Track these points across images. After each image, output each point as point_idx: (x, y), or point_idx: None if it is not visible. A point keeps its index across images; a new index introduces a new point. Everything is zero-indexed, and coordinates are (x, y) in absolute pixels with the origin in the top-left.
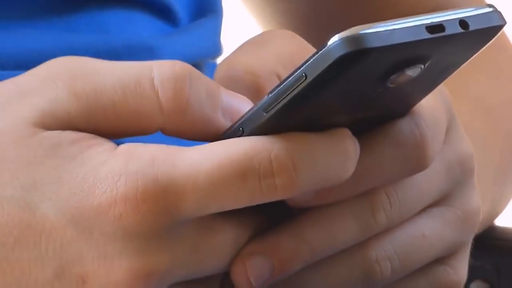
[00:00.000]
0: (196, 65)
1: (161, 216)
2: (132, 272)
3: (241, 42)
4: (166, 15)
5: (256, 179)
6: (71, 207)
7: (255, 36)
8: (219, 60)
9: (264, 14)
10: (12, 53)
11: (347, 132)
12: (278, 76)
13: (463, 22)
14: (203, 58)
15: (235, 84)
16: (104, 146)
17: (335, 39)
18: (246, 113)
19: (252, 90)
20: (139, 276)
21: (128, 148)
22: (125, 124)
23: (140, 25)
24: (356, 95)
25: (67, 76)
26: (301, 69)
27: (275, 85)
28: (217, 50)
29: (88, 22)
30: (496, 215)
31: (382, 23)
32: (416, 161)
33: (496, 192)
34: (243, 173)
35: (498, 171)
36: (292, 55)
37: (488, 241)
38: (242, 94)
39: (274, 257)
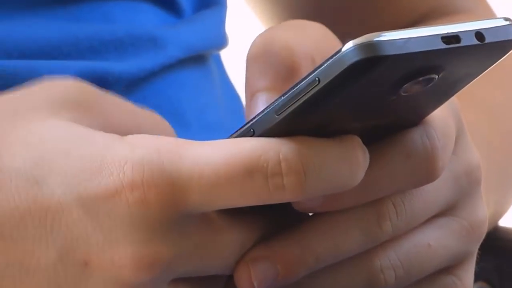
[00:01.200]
0: (202, 56)
1: (167, 206)
2: (136, 259)
3: (244, 34)
4: (170, 5)
5: (263, 178)
6: (79, 185)
7: (293, 20)
8: (223, 52)
9: (266, 11)
10: (17, 42)
11: (357, 140)
12: (313, 60)
13: (479, 34)
14: (207, 49)
15: (270, 58)
16: (111, 134)
17: (349, 45)
18: (258, 114)
19: (287, 67)
20: (143, 263)
21: (135, 137)
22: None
23: (144, 15)
24: (368, 103)
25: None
26: (315, 73)
27: (289, 87)
28: (222, 41)
29: (92, 11)
30: (499, 217)
31: (398, 31)
32: (426, 172)
33: (500, 194)
34: (250, 170)
35: (502, 174)
36: (327, 45)
37: (490, 242)
38: (276, 69)
39: (279, 262)
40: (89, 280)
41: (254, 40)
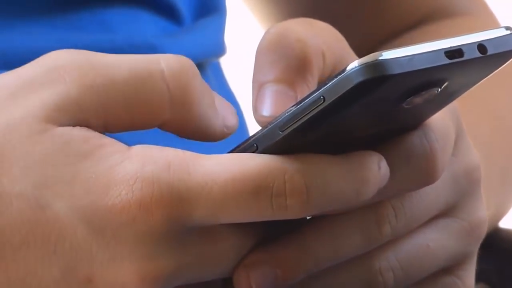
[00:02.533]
0: (200, 65)
1: (173, 222)
2: (140, 275)
3: (244, 42)
4: (170, 14)
5: (268, 197)
6: (84, 206)
7: (303, 18)
8: (222, 60)
9: (266, 13)
10: (16, 52)
11: (366, 158)
12: (324, 56)
13: (481, 47)
14: (207, 57)
15: (284, 50)
16: (116, 147)
17: (354, 64)
18: (261, 129)
19: (299, 59)
20: (146, 279)
21: (143, 150)
22: (134, 117)
23: (144, 24)
24: (371, 117)
25: (75, 68)
26: (319, 91)
27: (292, 104)
28: (221, 50)
29: (92, 20)
30: (500, 218)
31: (400, 49)
32: (425, 175)
33: (501, 195)
34: (257, 190)
35: (503, 174)
36: (336, 44)
37: (491, 244)
38: (288, 61)
39: (278, 266)
40: None
41: (267, 31)
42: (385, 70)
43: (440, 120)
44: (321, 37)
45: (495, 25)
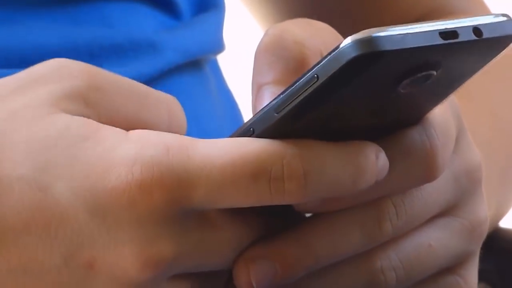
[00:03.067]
0: (198, 62)
1: (173, 205)
2: (141, 259)
3: (241, 41)
4: (169, 8)
5: (267, 181)
6: (84, 189)
7: (302, 18)
8: (219, 57)
9: (264, 12)
10: (16, 48)
11: (364, 147)
12: (321, 56)
13: (476, 30)
14: (205, 53)
15: (282, 51)
16: (115, 130)
17: (347, 41)
18: (257, 113)
19: (297, 61)
20: (148, 263)
21: (141, 134)
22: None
23: (143, 18)
24: (368, 100)
25: (85, 70)
26: (313, 70)
27: (287, 86)
28: (220, 46)
29: (91, 15)
30: (500, 217)
31: (395, 27)
32: (426, 172)
33: (501, 194)
34: (255, 173)
35: (503, 173)
36: (333, 44)
37: (491, 243)
38: (286, 62)
39: (278, 262)
40: (94, 282)
41: (266, 33)
42: (378, 46)
43: (441, 116)
44: (319, 37)
45: None
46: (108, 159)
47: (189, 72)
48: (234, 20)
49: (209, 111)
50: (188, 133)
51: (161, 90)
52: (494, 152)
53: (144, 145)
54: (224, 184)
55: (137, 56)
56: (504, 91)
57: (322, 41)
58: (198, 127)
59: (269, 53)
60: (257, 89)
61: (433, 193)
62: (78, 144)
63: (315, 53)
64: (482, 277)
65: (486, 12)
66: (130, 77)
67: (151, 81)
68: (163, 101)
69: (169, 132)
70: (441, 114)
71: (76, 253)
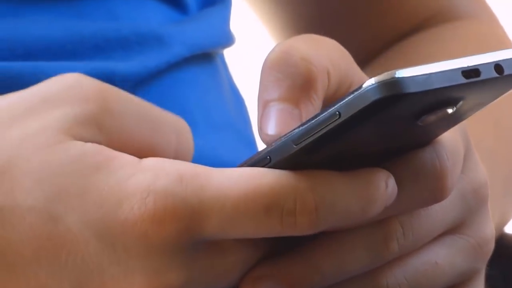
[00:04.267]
0: (208, 55)
1: (184, 235)
2: None
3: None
4: (176, 2)
5: (279, 215)
6: (96, 220)
7: (309, 34)
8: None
9: (268, 13)
10: (21, 40)
11: (374, 175)
12: (329, 73)
13: (498, 67)
14: (213, 47)
15: (289, 68)
16: (128, 158)
17: (371, 82)
18: (276, 141)
19: (305, 77)
20: None
21: (155, 163)
22: (139, 154)
23: (149, 12)
24: (386, 133)
25: (98, 90)
26: (335, 107)
27: (307, 118)
28: (228, 40)
29: (97, 8)
30: (504, 225)
31: (417, 67)
32: (435, 192)
33: (505, 203)
34: (268, 207)
35: (507, 182)
36: (342, 61)
37: (496, 249)
38: (293, 79)
39: (284, 281)
40: None
41: (272, 49)
42: (402, 89)
43: (451, 138)
44: (326, 54)
45: (498, 28)
46: (121, 190)
47: (198, 64)
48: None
49: (219, 103)
50: (197, 125)
51: (169, 82)
52: (498, 161)
53: (158, 174)
54: (237, 216)
55: (143, 50)
56: (507, 100)
57: (329, 58)
58: (207, 119)
59: (275, 70)
60: (263, 106)
61: (440, 212)
62: (90, 174)
63: (322, 70)
64: (487, 282)
65: (491, 15)
66: (136, 71)
67: (158, 74)
68: (173, 124)
69: (176, 155)
70: (450, 136)
71: (86, 282)
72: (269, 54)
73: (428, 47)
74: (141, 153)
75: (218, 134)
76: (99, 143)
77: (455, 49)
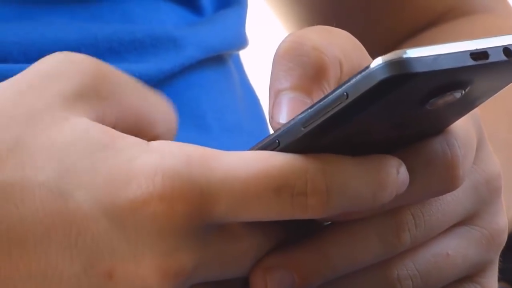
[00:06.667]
0: (221, 56)
1: (193, 217)
2: (161, 270)
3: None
4: (191, 4)
5: (289, 196)
6: (105, 198)
7: (321, 25)
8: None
9: (284, 9)
10: (35, 43)
11: (385, 161)
12: (341, 64)
13: (507, 50)
14: (227, 49)
15: (300, 57)
16: (135, 139)
17: (378, 61)
18: (284, 125)
19: (316, 66)
20: (167, 274)
21: (162, 144)
22: (137, 126)
23: (164, 14)
24: (394, 116)
25: (91, 62)
26: (343, 88)
27: (315, 101)
28: (242, 42)
29: (112, 10)
30: None
31: (426, 47)
32: (446, 181)
33: None
34: (278, 188)
35: None
36: (354, 53)
37: (509, 242)
38: (304, 68)
39: (295, 271)
40: None
41: (284, 39)
42: (409, 68)
43: (463, 127)
44: (338, 45)
45: None
46: (129, 169)
47: (212, 67)
48: (255, 18)
49: (232, 105)
50: (210, 128)
51: (183, 84)
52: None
53: (165, 155)
54: (246, 198)
55: (158, 52)
56: None
57: (341, 49)
58: (220, 122)
59: (287, 59)
60: (274, 95)
61: (452, 202)
62: (99, 152)
63: (334, 60)
64: (501, 275)
65: (508, 9)
66: (150, 73)
67: (172, 76)
68: (161, 99)
69: (164, 123)
70: (462, 124)
71: (96, 262)
72: (280, 44)
73: (444, 41)
74: (140, 121)
75: (231, 136)
76: (102, 114)
77: None
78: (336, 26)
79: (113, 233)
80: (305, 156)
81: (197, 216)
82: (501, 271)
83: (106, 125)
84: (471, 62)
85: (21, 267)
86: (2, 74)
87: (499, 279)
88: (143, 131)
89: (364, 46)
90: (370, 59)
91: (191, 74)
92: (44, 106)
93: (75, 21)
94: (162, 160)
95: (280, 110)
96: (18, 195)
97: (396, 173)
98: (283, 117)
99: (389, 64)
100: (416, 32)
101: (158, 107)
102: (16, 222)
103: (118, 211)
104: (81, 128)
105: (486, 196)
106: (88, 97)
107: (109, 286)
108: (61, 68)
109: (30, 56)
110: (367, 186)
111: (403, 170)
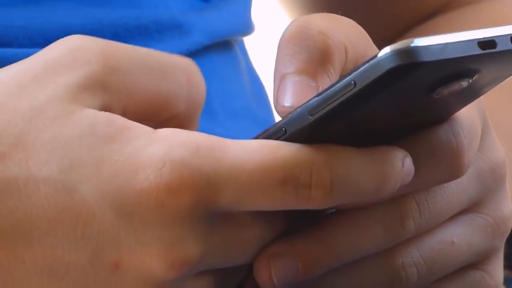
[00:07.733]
0: (227, 42)
1: (200, 206)
2: (168, 260)
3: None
4: None
5: (294, 187)
6: (111, 190)
7: (327, 13)
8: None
9: (291, 3)
10: (40, 28)
11: (390, 153)
12: (346, 50)
13: None
14: (233, 35)
15: (306, 42)
16: (142, 129)
17: (386, 50)
18: (291, 113)
19: (322, 50)
20: (174, 263)
21: (170, 133)
22: (151, 106)
23: (170, 0)
24: (401, 105)
25: (99, 50)
26: (350, 76)
27: (322, 89)
28: (248, 27)
29: None
30: None
31: (433, 36)
32: (451, 169)
33: None
34: (284, 179)
35: None
36: (358, 40)
37: None
38: (310, 52)
39: (299, 259)
40: (119, 282)
41: (290, 24)
42: (417, 57)
43: (467, 115)
44: (343, 31)
45: None
46: (136, 160)
47: (219, 52)
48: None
49: (239, 91)
50: (216, 114)
51: None
52: None
53: (173, 144)
54: (252, 188)
55: (163, 38)
56: None
57: (347, 35)
58: (226, 108)
59: (292, 43)
60: (279, 79)
61: (457, 190)
62: (104, 145)
63: (339, 45)
64: (506, 262)
65: None
66: None
67: None
68: (181, 68)
69: (188, 98)
70: (467, 113)
71: (102, 253)
72: (286, 29)
73: (449, 29)
74: (154, 103)
75: (238, 122)
76: (109, 104)
77: None
78: (340, 14)
79: (120, 224)
80: (311, 147)
81: (203, 205)
82: (506, 258)
83: (114, 112)
84: (478, 51)
85: (27, 261)
86: (7, 59)
87: (505, 266)
88: (160, 111)
89: (369, 34)
90: (375, 47)
91: (197, 60)
92: (48, 98)
93: (81, 6)
94: (170, 150)
95: (285, 93)
96: (23, 191)
97: (401, 166)
98: (288, 101)
99: (397, 53)
100: (422, 19)
101: (179, 83)
102: (21, 217)
103: (124, 202)
104: (86, 121)
105: (491, 184)
106: (94, 87)
107: (115, 277)
108: (68, 58)
109: (35, 40)
110: (372, 178)
111: (408, 161)
